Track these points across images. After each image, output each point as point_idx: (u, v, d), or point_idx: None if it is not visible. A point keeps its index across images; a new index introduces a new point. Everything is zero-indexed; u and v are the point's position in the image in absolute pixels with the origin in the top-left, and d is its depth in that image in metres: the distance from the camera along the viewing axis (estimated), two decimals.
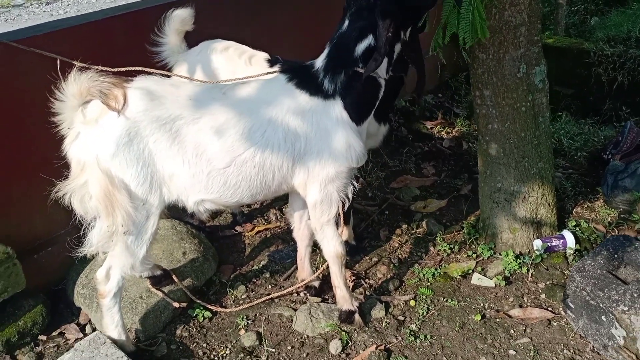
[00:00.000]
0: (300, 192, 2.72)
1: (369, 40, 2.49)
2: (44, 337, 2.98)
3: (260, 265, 3.47)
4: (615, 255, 2.65)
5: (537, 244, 3.28)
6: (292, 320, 3.01)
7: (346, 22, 2.53)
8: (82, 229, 2.53)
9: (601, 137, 4.71)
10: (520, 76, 3.04)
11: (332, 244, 2.80)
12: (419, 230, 3.72)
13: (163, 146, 2.39)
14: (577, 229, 3.46)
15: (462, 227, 3.64)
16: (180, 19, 3.06)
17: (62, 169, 2.48)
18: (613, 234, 3.46)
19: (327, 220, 2.74)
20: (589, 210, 3.71)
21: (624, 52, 6.18)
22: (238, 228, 3.83)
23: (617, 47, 6.36)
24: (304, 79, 2.55)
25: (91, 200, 2.39)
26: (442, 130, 5.13)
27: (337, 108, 2.53)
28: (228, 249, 3.64)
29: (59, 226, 3.17)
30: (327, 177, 2.62)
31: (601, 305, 2.48)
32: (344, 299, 2.95)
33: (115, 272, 2.61)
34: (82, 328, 3.06)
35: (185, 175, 2.45)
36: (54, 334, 3.02)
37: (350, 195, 2.75)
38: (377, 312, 3.02)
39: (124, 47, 3.30)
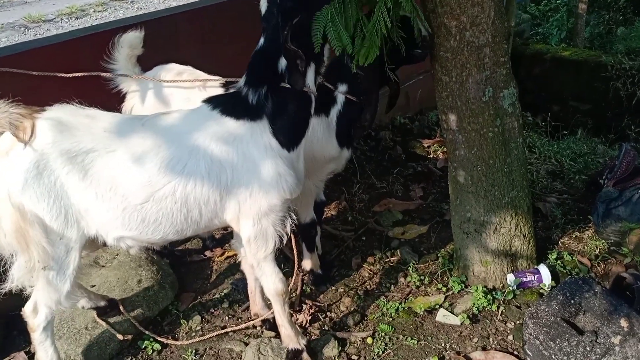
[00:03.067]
0: (234, 227, 2.58)
1: None
2: None
3: (222, 294, 3.34)
4: (572, 301, 2.39)
5: (510, 278, 3.04)
6: (241, 356, 2.87)
7: (263, 37, 2.36)
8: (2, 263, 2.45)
9: (608, 158, 4.40)
10: (486, 100, 2.82)
11: (271, 281, 2.64)
12: (392, 258, 3.53)
13: (75, 179, 2.27)
14: (559, 262, 3.20)
15: (438, 257, 3.43)
16: (128, 43, 2.98)
17: None
18: (598, 268, 3.18)
19: (264, 257, 2.58)
20: (577, 240, 3.43)
21: None
22: (207, 253, 3.72)
23: (637, 59, 6.00)
24: (228, 104, 2.40)
25: (6, 237, 2.29)
26: (439, 150, 4.91)
27: (265, 135, 2.37)
28: (193, 275, 3.54)
29: None
30: (260, 211, 2.46)
31: (553, 356, 2.24)
32: (289, 338, 2.78)
33: (42, 307, 2.52)
34: (31, 356, 2.99)
35: (99, 210, 2.33)
36: None
37: (288, 229, 2.58)
38: (330, 350, 2.85)
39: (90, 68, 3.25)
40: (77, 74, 2.97)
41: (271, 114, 2.36)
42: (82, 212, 2.33)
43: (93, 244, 2.56)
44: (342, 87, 2.89)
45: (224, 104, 2.40)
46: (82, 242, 2.39)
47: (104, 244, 2.51)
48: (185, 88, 3.02)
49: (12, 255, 2.37)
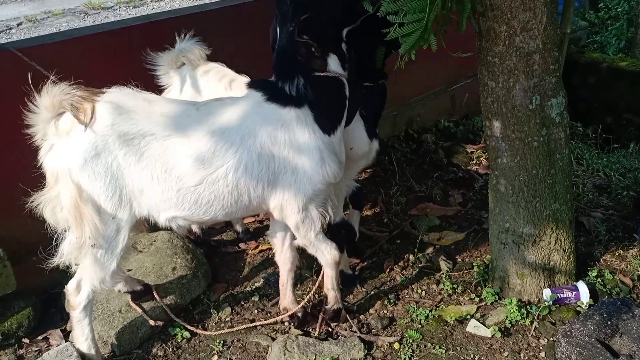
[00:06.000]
0: (275, 215, 2.65)
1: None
2: (27, 341, 3.03)
3: (253, 287, 3.37)
4: (609, 322, 2.30)
5: (546, 293, 2.95)
6: (267, 350, 2.88)
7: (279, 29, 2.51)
8: (54, 239, 2.55)
9: None
10: (533, 108, 2.74)
11: (327, 252, 2.79)
12: (426, 264, 3.47)
13: (132, 161, 2.37)
14: (599, 280, 3.09)
15: (473, 266, 3.36)
16: (188, 53, 3.07)
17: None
18: None
19: (315, 236, 2.71)
20: (620, 259, 3.30)
21: None
22: (242, 245, 3.76)
23: None
24: (273, 91, 2.50)
25: (62, 212, 2.41)
26: (482, 156, 4.80)
27: (308, 121, 2.48)
28: (227, 266, 3.57)
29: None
30: (305, 197, 2.56)
31: None
32: (335, 299, 2.99)
33: (86, 285, 2.61)
34: (66, 334, 3.08)
35: (154, 191, 2.43)
36: (38, 337, 3.06)
37: (330, 210, 2.69)
38: (356, 352, 2.82)
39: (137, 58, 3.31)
40: None
41: (311, 100, 2.46)
42: (136, 192, 2.42)
43: (138, 227, 2.65)
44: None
45: (270, 91, 2.50)
46: (132, 222, 2.50)
47: (155, 225, 2.62)
48: (211, 85, 3.06)
49: (65, 230, 2.48)
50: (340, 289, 3.04)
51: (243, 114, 2.47)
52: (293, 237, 2.89)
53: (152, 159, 2.38)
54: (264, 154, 2.45)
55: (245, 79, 2.93)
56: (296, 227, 2.66)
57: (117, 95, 2.44)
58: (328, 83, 2.49)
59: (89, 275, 2.58)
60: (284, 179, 2.51)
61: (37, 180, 2.51)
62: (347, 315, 3.02)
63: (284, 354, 2.80)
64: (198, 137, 2.41)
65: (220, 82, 2.97)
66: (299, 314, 3.03)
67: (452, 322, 2.97)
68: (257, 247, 3.72)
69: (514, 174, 2.87)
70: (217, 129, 2.44)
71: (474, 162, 4.75)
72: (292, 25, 2.36)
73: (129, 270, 3.23)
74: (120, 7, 10.73)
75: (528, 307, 2.97)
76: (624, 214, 3.74)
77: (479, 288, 3.19)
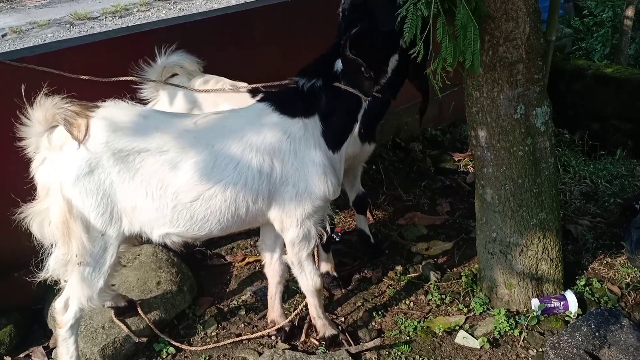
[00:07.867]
0: (276, 226, 2.62)
1: None
2: (9, 358, 2.97)
3: (240, 301, 3.32)
4: (597, 333, 2.28)
5: (535, 303, 2.93)
6: None
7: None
8: (41, 253, 2.50)
9: None
10: (518, 117, 2.74)
11: (311, 278, 2.73)
12: (414, 274, 3.45)
13: (126, 178, 2.33)
14: (587, 289, 3.08)
15: (461, 276, 3.34)
16: (182, 65, 3.05)
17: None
18: (629, 297, 3.05)
19: (306, 256, 2.66)
20: (608, 267, 3.29)
21: None
22: (228, 257, 3.72)
23: None
24: (281, 102, 2.47)
25: (50, 226, 2.37)
26: (470, 164, 4.79)
27: (316, 133, 2.45)
28: (213, 279, 3.53)
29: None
30: (304, 212, 2.53)
31: None
32: (325, 327, 2.89)
33: (73, 303, 2.55)
34: (49, 352, 3.03)
35: (148, 208, 2.38)
36: (21, 355, 3.01)
37: (327, 227, 2.66)
38: None
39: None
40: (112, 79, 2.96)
41: (323, 111, 2.44)
42: (128, 210, 2.37)
43: (129, 241, 2.62)
44: None
45: (277, 102, 2.46)
46: (121, 239, 2.45)
47: (148, 241, 2.57)
48: (213, 94, 3.03)
49: (51, 246, 2.43)
50: (327, 315, 2.96)
51: (244, 126, 2.43)
52: (283, 250, 2.86)
53: (147, 176, 2.34)
54: (266, 166, 2.40)
55: (244, 86, 2.94)
56: (292, 242, 2.62)
57: (112, 110, 2.39)
58: (345, 98, 2.44)
59: (76, 293, 2.52)
60: (285, 191, 2.46)
61: (17, 198, 2.47)
62: (347, 338, 2.91)
63: None
64: (196, 152, 2.36)
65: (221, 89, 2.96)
66: (286, 328, 2.99)
67: (440, 334, 2.94)
68: (243, 259, 3.68)
69: (499, 184, 2.86)
70: (216, 142, 2.39)
71: (462, 170, 4.74)
72: (343, 38, 2.29)
73: (112, 285, 3.17)
74: (106, 17, 10.67)
75: (517, 317, 2.95)
76: (611, 221, 3.73)
77: (467, 298, 3.17)
